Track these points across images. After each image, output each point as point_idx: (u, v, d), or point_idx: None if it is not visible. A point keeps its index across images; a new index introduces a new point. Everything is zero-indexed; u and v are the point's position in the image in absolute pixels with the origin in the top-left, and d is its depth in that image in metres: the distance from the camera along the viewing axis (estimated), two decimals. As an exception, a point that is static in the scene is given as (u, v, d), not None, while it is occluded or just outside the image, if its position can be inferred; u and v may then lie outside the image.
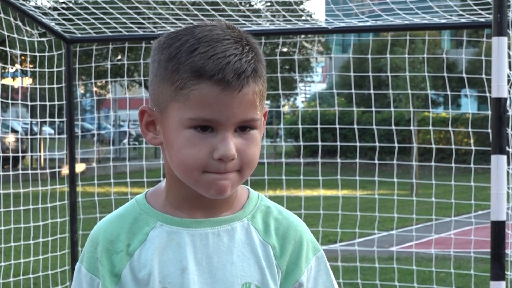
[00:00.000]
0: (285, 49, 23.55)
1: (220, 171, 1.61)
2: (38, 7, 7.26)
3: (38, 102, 8.05)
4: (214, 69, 1.58)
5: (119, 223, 1.72)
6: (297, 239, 1.73)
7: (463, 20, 6.47)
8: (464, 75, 7.24)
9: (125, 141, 29.14)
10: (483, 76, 6.65)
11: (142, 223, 1.71)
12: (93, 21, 6.74)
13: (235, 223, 1.70)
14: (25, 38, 6.85)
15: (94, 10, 6.80)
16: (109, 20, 6.74)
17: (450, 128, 7.67)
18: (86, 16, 6.80)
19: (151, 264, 1.67)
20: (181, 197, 1.69)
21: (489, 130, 4.85)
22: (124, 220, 1.72)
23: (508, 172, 5.18)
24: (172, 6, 7.36)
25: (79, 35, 6.76)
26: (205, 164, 1.60)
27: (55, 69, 6.98)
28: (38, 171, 7.41)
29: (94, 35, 6.79)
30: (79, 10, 7.04)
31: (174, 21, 6.99)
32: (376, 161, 7.48)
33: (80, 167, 10.37)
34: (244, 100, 1.60)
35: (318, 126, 7.82)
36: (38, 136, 21.50)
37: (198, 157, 1.60)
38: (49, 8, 8.54)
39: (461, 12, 6.57)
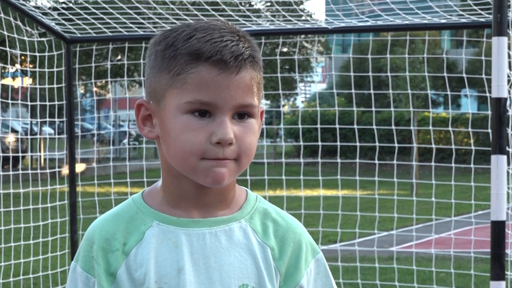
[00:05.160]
0: (285, 49, 23.56)
1: (219, 157, 1.59)
2: (38, 7, 7.26)
3: (38, 102, 8.05)
4: (212, 51, 1.58)
5: (116, 221, 1.70)
6: (296, 242, 1.71)
7: (463, 20, 6.47)
8: (464, 75, 7.24)
9: (125, 141, 29.13)
10: (483, 76, 6.65)
11: (139, 222, 1.69)
12: (93, 21, 6.74)
13: (232, 223, 1.68)
14: (25, 38, 6.85)
15: (94, 10, 6.80)
16: (109, 20, 6.74)
17: (450, 128, 7.68)
18: (86, 16, 6.80)
19: (147, 264, 1.65)
20: (178, 195, 1.68)
21: (489, 130, 4.85)
22: (121, 218, 1.70)
23: (508, 172, 5.18)
24: (172, 6, 7.36)
25: (79, 35, 6.76)
26: (203, 149, 1.59)
27: (55, 69, 6.97)
28: (38, 171, 7.41)
29: (94, 35, 6.79)
30: (79, 10, 7.04)
31: (174, 21, 6.99)
32: (376, 161, 7.48)
33: (80, 167, 10.37)
34: (241, 84, 1.60)
35: (318, 126, 7.82)
36: (38, 136, 21.49)
37: (196, 142, 1.58)
38: (49, 8, 8.54)
39: (461, 12, 6.57)
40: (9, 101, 7.23)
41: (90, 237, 1.71)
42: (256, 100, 1.63)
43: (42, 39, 7.01)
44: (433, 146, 7.47)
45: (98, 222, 1.73)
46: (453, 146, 7.12)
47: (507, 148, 4.88)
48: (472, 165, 7.11)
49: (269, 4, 18.33)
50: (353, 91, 7.71)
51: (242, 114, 1.62)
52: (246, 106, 1.61)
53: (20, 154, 17.42)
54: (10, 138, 18.44)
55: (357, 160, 7.49)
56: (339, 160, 7.48)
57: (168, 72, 1.61)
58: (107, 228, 1.70)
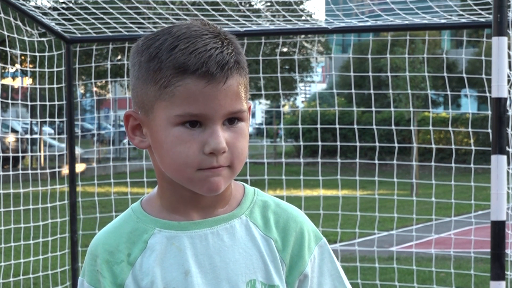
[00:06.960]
0: (285, 49, 23.54)
1: (213, 165, 1.60)
2: (38, 7, 7.25)
3: (38, 102, 8.05)
4: (197, 63, 1.57)
5: (117, 233, 1.71)
6: (298, 230, 1.71)
7: (463, 20, 6.46)
8: (464, 75, 7.24)
9: (125, 141, 29.12)
10: (483, 76, 6.65)
11: (141, 231, 1.70)
12: (93, 21, 6.74)
13: (233, 220, 1.69)
14: (25, 38, 6.85)
15: (94, 10, 6.80)
16: (109, 20, 6.74)
17: (450, 128, 7.67)
18: (86, 16, 6.80)
19: (153, 271, 1.66)
20: (176, 200, 1.68)
21: (489, 130, 4.85)
22: (122, 230, 1.71)
23: (508, 172, 5.18)
24: (172, 6, 7.36)
25: (79, 35, 6.76)
26: (198, 161, 1.59)
27: (55, 69, 6.97)
28: (38, 171, 7.41)
29: (94, 35, 6.79)
30: (79, 10, 7.04)
31: (174, 21, 6.99)
32: (376, 161, 7.48)
33: (80, 167, 10.36)
34: (229, 92, 1.60)
35: (318, 126, 7.82)
36: (38, 136, 21.49)
37: (189, 154, 1.59)
38: (49, 8, 8.54)
39: (461, 12, 6.56)
40: (9, 101, 7.23)
41: (93, 251, 1.72)
42: (244, 104, 1.64)
43: (42, 39, 7.00)
44: (433, 146, 7.47)
45: (100, 235, 1.74)
46: (453, 146, 7.11)
47: (507, 148, 4.88)
48: (472, 165, 7.11)
49: (269, 4, 18.33)
50: (353, 91, 7.71)
51: (232, 119, 1.63)
52: (235, 113, 1.62)
53: (20, 154, 17.42)
54: (10, 138, 18.45)
55: (357, 160, 7.49)
56: (339, 160, 7.47)
57: (155, 84, 1.60)
58: (109, 241, 1.71)
